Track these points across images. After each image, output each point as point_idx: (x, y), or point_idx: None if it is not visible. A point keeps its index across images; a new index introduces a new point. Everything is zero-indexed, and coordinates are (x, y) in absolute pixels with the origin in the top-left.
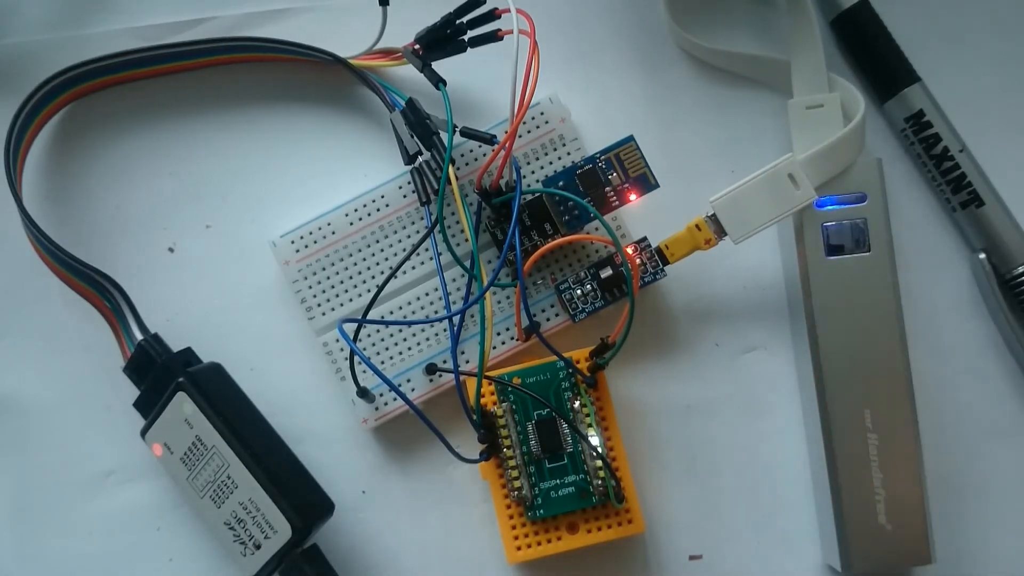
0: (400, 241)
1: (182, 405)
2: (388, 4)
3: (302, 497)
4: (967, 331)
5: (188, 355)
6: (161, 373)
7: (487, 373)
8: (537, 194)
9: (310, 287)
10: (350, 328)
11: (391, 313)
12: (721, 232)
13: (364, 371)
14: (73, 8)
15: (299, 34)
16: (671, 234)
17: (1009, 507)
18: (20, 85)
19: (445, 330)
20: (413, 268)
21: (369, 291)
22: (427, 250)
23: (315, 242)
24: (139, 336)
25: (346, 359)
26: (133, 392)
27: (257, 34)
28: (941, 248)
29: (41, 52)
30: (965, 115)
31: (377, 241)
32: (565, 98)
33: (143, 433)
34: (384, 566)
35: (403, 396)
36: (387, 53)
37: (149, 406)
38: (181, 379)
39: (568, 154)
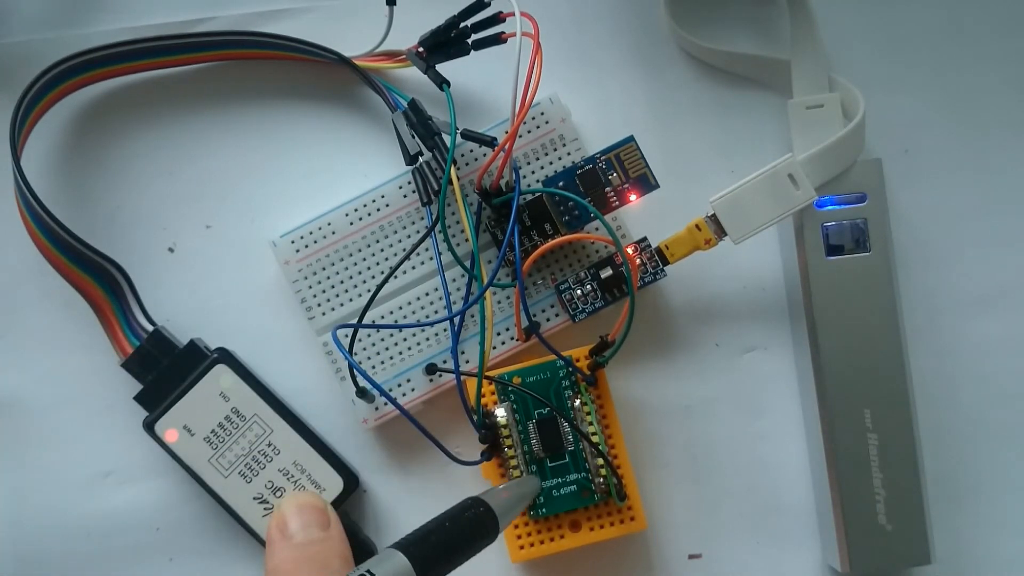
0: (400, 241)
1: (219, 378)
2: (395, 3)
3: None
4: (965, 331)
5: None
6: (180, 358)
7: (487, 373)
8: (537, 194)
9: (310, 287)
10: (346, 334)
11: (391, 313)
12: (721, 232)
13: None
14: (72, 7)
15: (299, 34)
16: (671, 234)
17: (1009, 508)
18: (20, 85)
19: (445, 330)
20: (413, 268)
21: (369, 291)
22: (427, 250)
23: (315, 242)
24: (150, 327)
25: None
26: (133, 390)
27: None
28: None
29: (40, 52)
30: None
31: (377, 241)
32: (565, 98)
33: (150, 424)
34: None
35: (395, 403)
36: (390, 55)
37: (157, 396)
38: (216, 354)
39: (568, 154)
